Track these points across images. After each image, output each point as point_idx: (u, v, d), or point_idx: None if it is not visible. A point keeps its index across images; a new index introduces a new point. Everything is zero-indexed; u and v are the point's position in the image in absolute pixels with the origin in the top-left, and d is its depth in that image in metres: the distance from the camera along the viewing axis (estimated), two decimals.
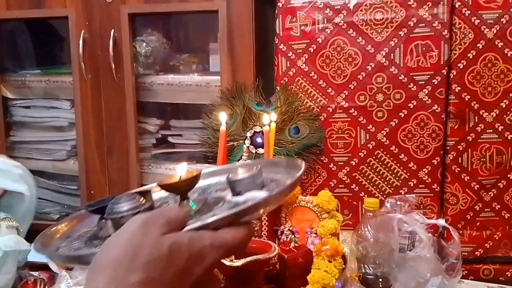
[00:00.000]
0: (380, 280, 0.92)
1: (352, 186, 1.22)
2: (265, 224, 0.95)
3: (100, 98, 1.36)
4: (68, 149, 1.46)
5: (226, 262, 0.73)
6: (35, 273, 1.17)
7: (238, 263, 0.73)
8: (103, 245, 0.40)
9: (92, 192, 1.39)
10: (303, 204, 0.95)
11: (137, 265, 0.37)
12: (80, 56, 1.31)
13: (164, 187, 0.50)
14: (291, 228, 0.94)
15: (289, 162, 0.56)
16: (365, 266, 0.94)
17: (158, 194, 0.57)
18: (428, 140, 1.17)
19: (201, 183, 0.54)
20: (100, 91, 1.35)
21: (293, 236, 0.93)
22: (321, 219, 0.92)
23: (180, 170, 0.50)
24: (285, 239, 0.93)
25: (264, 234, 0.95)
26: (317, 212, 0.94)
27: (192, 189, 0.51)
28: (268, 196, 0.44)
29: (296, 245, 0.85)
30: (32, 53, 1.56)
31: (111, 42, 1.29)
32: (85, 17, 1.32)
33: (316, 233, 0.91)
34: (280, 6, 1.20)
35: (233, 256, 0.76)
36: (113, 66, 1.30)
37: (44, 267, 1.10)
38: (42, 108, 1.47)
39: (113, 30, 1.29)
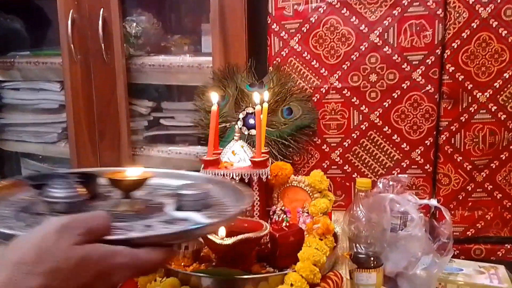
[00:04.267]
0: (372, 259, 0.92)
1: (345, 167, 1.22)
2: (257, 204, 0.95)
3: (90, 80, 1.34)
4: (59, 131, 1.44)
5: (217, 240, 0.73)
6: None
7: (229, 241, 0.73)
8: (16, 239, 0.39)
9: None
10: (295, 184, 0.94)
11: (39, 271, 0.36)
12: (69, 37, 1.29)
13: (110, 180, 0.51)
14: (283, 208, 0.94)
15: (239, 191, 0.57)
16: (357, 245, 0.94)
17: (100, 184, 0.57)
18: (421, 121, 1.16)
19: (154, 181, 0.56)
20: (90, 72, 1.33)
21: (285, 216, 0.93)
22: (313, 199, 0.92)
23: (133, 171, 0.52)
24: (277, 218, 0.93)
25: (256, 214, 0.94)
26: (309, 191, 0.93)
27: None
28: (197, 228, 0.45)
29: (287, 224, 0.85)
30: (21, 34, 1.54)
31: (100, 22, 1.27)
32: None
33: (308, 213, 0.91)
34: None
35: (224, 234, 0.76)
36: (103, 47, 1.28)
37: None
38: (31, 90, 1.45)
39: (102, 9, 1.27)
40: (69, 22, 1.28)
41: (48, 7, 1.41)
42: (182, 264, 0.79)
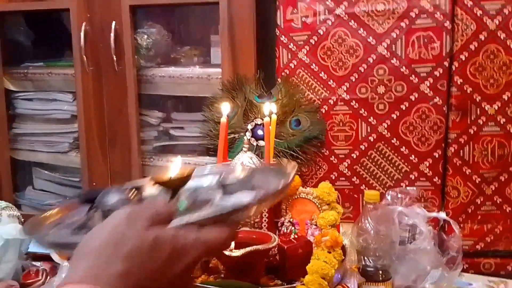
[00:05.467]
0: (380, 272, 0.92)
1: (353, 179, 1.22)
2: (265, 216, 0.95)
3: (101, 90, 1.36)
4: (70, 141, 1.46)
5: (226, 252, 0.74)
6: (37, 264, 1.17)
7: (238, 253, 0.73)
8: (88, 233, 0.40)
9: (94, 184, 1.40)
10: (303, 196, 0.95)
11: (118, 256, 0.37)
12: (82, 48, 1.31)
13: (157, 181, 0.51)
14: (291, 219, 0.94)
15: (280, 169, 0.56)
16: (365, 258, 0.94)
17: (149, 190, 0.57)
18: (429, 133, 1.16)
19: (193, 183, 0.55)
20: (102, 83, 1.36)
21: (293, 228, 0.93)
22: (321, 211, 0.92)
23: (174, 166, 0.51)
24: (285, 230, 0.93)
25: (265, 226, 0.95)
26: (317, 203, 0.93)
27: (184, 187, 0.52)
28: (252, 200, 0.45)
29: (296, 236, 0.85)
30: (34, 45, 1.56)
31: (112, 34, 1.29)
32: (86, 9, 1.32)
33: (316, 225, 0.91)
34: None
35: (233, 247, 0.76)
36: (115, 58, 1.31)
37: (46, 257, 1.11)
38: (44, 100, 1.47)
39: (114, 22, 1.29)
40: (82, 34, 1.31)
41: (62, 19, 1.44)
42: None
